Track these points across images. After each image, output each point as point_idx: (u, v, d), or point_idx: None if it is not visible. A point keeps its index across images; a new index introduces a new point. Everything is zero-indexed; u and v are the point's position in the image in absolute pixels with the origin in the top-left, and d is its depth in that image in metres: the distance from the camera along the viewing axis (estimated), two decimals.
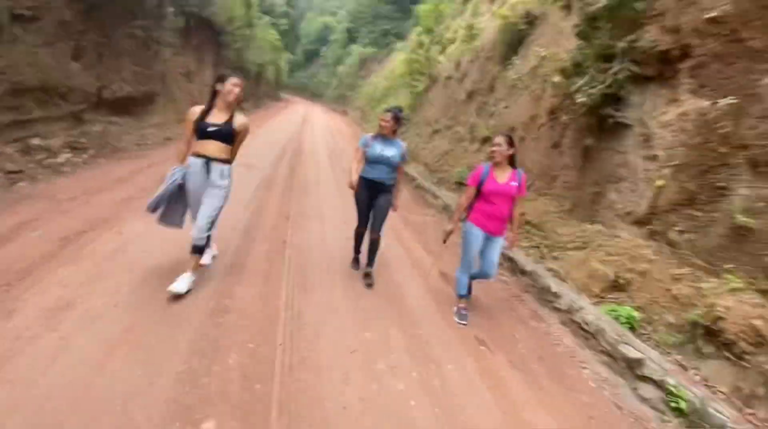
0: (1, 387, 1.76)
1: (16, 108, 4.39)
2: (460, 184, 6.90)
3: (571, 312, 3.21)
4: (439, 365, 2.45)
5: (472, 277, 3.23)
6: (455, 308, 3.14)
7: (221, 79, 2.72)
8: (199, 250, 2.75)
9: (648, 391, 2.43)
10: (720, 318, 2.53)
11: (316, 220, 4.88)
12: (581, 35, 4.18)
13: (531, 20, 7.34)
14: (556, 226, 4.36)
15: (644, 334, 2.91)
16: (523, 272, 3.97)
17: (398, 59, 19.29)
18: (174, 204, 2.78)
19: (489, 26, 9.68)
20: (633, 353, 2.60)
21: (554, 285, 3.52)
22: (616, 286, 3.32)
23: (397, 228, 4.95)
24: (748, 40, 2.99)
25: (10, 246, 2.97)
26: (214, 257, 3.21)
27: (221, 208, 2.80)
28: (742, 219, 2.73)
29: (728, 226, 2.83)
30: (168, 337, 2.25)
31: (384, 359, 2.41)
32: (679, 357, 2.66)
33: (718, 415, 2.14)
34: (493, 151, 2.95)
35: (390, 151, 3.30)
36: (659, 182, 3.39)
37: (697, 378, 2.48)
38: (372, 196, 3.38)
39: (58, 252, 3.00)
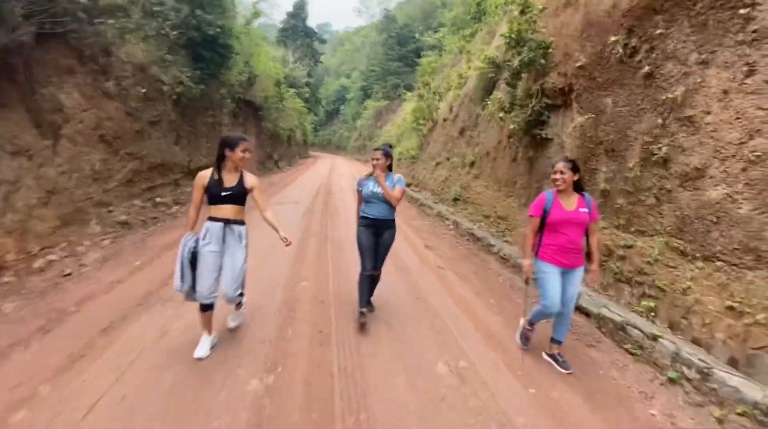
0: None
1: (149, 178, 6.80)
2: (456, 200, 8.73)
3: (499, 252, 4.89)
4: None
5: (531, 321, 3.04)
6: (520, 331, 3.14)
7: (228, 143, 2.65)
8: (239, 304, 3.02)
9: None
10: None
11: (343, 226, 6.96)
12: (509, 84, 6.14)
13: (497, 67, 9.43)
14: (514, 215, 6.06)
15: None
16: (484, 243, 5.66)
17: (407, 108, 22.03)
18: (188, 270, 2.66)
19: (473, 74, 11.90)
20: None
21: (505, 247, 5.20)
22: None
23: (402, 228, 6.82)
24: (597, 77, 4.81)
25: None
26: (237, 325, 3.16)
27: (244, 268, 2.79)
28: (603, 186, 4.39)
29: (599, 191, 4.48)
30: None
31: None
32: None
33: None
34: (554, 179, 2.71)
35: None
36: None
37: None
38: (376, 234, 3.33)
39: None
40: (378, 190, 3.26)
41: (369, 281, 3.36)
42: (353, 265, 4.42)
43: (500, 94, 6.95)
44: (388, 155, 3.34)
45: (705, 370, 2.59)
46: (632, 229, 3.96)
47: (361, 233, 3.35)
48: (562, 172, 2.68)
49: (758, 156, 2.92)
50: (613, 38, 4.44)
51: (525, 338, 3.11)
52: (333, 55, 59.03)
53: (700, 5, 3.54)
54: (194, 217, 2.73)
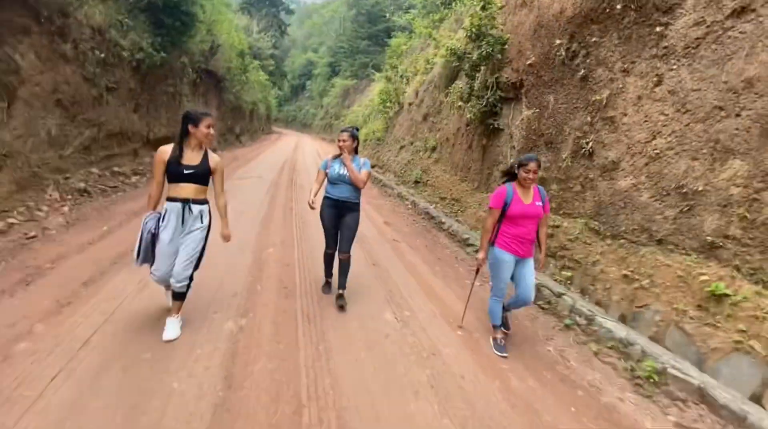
0: None
1: (106, 147, 6.63)
2: (417, 182, 9.21)
3: (449, 229, 5.44)
4: None
5: (508, 308, 3.17)
6: (491, 339, 3.06)
7: (191, 118, 2.55)
8: (180, 295, 2.66)
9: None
10: None
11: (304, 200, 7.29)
12: (468, 75, 6.58)
13: (460, 56, 9.85)
14: (467, 198, 6.62)
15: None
16: (437, 221, 6.20)
17: (375, 89, 22.05)
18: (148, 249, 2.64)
19: (439, 61, 12.26)
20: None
21: (455, 224, 5.75)
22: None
23: (365, 207, 7.19)
24: (543, 75, 5.35)
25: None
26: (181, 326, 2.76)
27: (203, 249, 2.69)
28: (541, 174, 4.98)
29: (538, 179, 5.07)
30: None
31: None
32: None
33: None
34: (527, 178, 2.83)
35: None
36: (513, 161, 5.68)
37: None
38: (338, 215, 3.38)
39: None
40: (344, 172, 3.30)
41: (331, 259, 3.56)
42: (317, 235, 4.76)
43: (461, 83, 7.39)
44: (354, 137, 3.39)
45: (590, 318, 3.34)
46: (561, 211, 4.59)
47: (325, 213, 3.42)
48: (535, 172, 2.83)
49: (657, 153, 3.57)
50: (557, 41, 4.97)
51: (499, 346, 3.00)
52: (300, 28, 56.74)
53: (627, 20, 4.10)
54: (157, 195, 2.64)
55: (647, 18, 3.91)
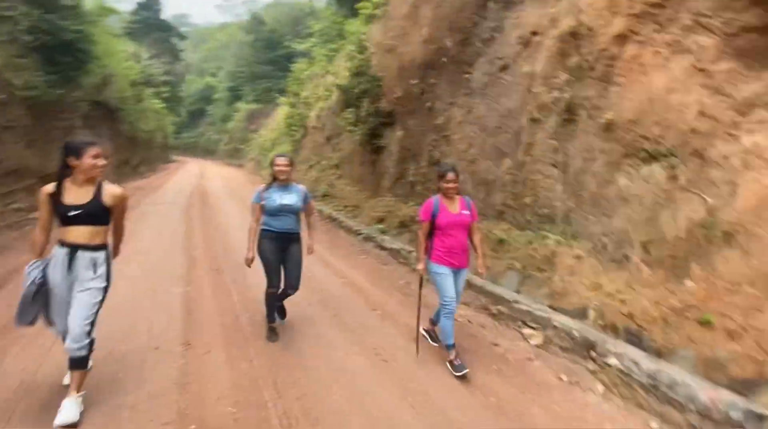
0: None
1: (4, 184, 6.63)
2: (325, 196, 10.48)
3: (346, 225, 6.84)
4: None
5: (434, 320, 3.33)
6: (448, 362, 2.97)
7: (72, 149, 2.18)
8: (80, 362, 2.20)
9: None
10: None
11: (221, 216, 8.09)
12: (354, 105, 8.17)
13: (345, 91, 11.53)
14: (363, 203, 8.10)
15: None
16: (338, 222, 7.57)
17: (281, 113, 22.85)
18: (33, 303, 2.23)
19: (335, 91, 13.85)
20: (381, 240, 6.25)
21: (355, 224, 7.15)
22: (381, 220, 7.06)
23: None
24: (406, 106, 7.10)
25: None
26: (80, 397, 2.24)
27: (99, 304, 2.26)
28: (411, 178, 6.64)
29: (409, 183, 6.73)
30: None
31: None
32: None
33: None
34: (448, 188, 2.93)
35: (290, 198, 3.17)
36: (393, 171, 7.31)
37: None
38: (282, 249, 3.18)
39: None
40: (287, 201, 3.14)
41: (275, 298, 3.25)
42: (238, 244, 5.69)
43: (349, 112, 8.96)
44: (292, 163, 3.27)
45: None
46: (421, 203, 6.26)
47: (266, 248, 3.15)
48: (455, 182, 2.94)
49: (470, 160, 5.37)
50: (413, 81, 6.75)
51: (430, 336, 3.43)
52: (195, 51, 54.70)
53: (450, 68, 5.98)
54: (42, 240, 2.28)
55: (460, 68, 5.81)
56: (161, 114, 27.73)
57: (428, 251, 3.06)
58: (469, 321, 3.92)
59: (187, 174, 21.38)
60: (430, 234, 3.04)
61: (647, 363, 2.68)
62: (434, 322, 3.36)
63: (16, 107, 6.87)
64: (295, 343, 3.27)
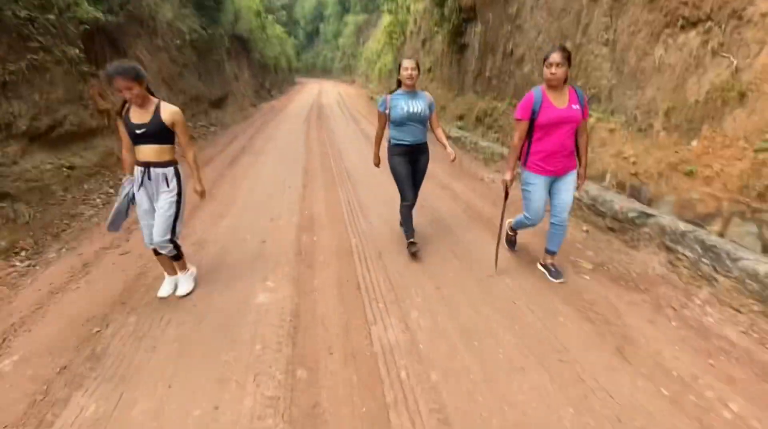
0: None
1: (190, 107, 9.45)
2: None
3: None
4: None
5: (513, 227, 3.02)
6: (542, 265, 2.87)
7: (108, 77, 2.35)
8: (172, 258, 2.62)
9: None
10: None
11: (333, 123, 9.97)
12: (437, 4, 8.39)
13: None
14: (449, 103, 8.79)
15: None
16: None
17: (384, 22, 22.86)
18: (123, 215, 2.54)
19: None
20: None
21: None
22: (461, 117, 7.77)
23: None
24: None
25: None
26: (194, 279, 2.81)
27: (176, 215, 2.50)
28: (488, 73, 7.04)
29: (486, 78, 7.14)
30: None
31: None
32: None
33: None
34: (551, 75, 2.35)
35: (418, 105, 2.96)
36: (474, 68, 7.71)
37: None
38: (412, 161, 3.10)
39: None
40: (415, 108, 2.93)
41: (410, 212, 3.16)
42: (340, 139, 7.34)
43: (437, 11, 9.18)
44: (419, 66, 3.01)
45: (481, 147, 5.70)
46: (497, 96, 6.74)
47: (397, 163, 3.06)
48: (558, 65, 2.33)
49: (538, 48, 5.58)
50: None
51: (511, 243, 3.19)
52: None
53: None
54: (128, 158, 2.50)
55: None
56: (283, 39, 30.38)
57: (523, 158, 2.61)
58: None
59: (307, 94, 24.16)
60: (528, 138, 2.54)
61: (594, 192, 3.81)
62: (514, 229, 3.10)
63: (187, 49, 9.34)
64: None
